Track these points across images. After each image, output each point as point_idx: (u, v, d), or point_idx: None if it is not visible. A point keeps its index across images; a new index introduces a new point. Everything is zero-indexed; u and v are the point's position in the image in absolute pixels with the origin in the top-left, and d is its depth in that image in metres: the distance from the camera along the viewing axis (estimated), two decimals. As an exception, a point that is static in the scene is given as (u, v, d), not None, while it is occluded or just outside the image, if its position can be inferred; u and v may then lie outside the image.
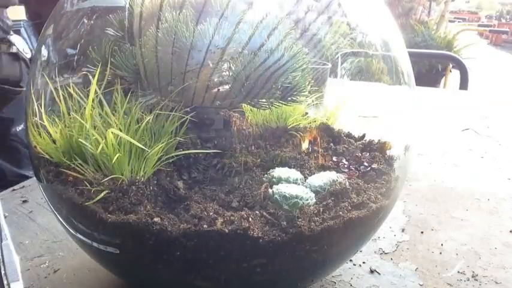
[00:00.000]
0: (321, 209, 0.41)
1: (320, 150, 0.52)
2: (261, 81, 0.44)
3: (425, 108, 1.29)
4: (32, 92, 0.48)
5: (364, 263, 0.56)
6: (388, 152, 0.54)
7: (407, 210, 0.71)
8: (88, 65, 0.46)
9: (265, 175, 0.46)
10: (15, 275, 0.49)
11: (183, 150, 0.44)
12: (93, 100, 0.42)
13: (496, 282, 0.53)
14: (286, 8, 0.46)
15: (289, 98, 0.47)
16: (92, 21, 0.50)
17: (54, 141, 0.45)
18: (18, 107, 1.04)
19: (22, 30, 1.97)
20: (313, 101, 0.56)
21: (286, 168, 0.47)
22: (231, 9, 0.42)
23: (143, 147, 0.41)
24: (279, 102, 0.47)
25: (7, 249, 0.53)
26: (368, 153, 0.53)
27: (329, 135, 0.57)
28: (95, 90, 0.42)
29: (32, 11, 1.20)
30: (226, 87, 0.46)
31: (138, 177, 0.41)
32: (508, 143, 1.05)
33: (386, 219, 0.48)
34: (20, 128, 1.12)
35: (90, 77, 0.43)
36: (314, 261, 0.42)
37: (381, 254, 0.58)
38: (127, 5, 0.46)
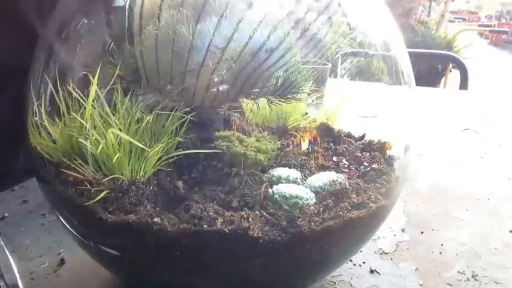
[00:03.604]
0: (321, 209, 0.41)
1: (320, 150, 0.52)
2: (258, 77, 0.44)
3: (425, 108, 1.29)
4: (32, 92, 0.48)
5: (364, 263, 0.56)
6: (388, 152, 0.54)
7: (407, 210, 0.71)
8: (88, 65, 0.46)
9: (265, 175, 0.46)
10: (13, 276, 0.49)
11: (183, 150, 0.44)
12: (93, 100, 0.42)
13: (496, 282, 0.53)
14: (286, 8, 0.46)
15: (289, 96, 0.47)
16: (91, 21, 0.50)
17: (54, 141, 0.45)
18: None
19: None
20: (313, 101, 0.56)
21: (286, 168, 0.47)
22: (230, 9, 0.42)
23: (143, 146, 0.41)
24: (279, 99, 0.47)
25: (1, 251, 0.53)
26: (368, 153, 0.53)
27: (329, 135, 0.57)
28: (95, 90, 0.42)
29: None
30: (226, 86, 0.46)
31: (138, 177, 0.41)
32: (508, 143, 1.05)
33: (386, 219, 0.48)
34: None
35: (90, 77, 0.43)
36: (314, 261, 0.42)
37: (381, 254, 0.58)
38: (127, 5, 0.46)
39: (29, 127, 0.47)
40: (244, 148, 0.46)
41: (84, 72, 0.45)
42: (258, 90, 0.45)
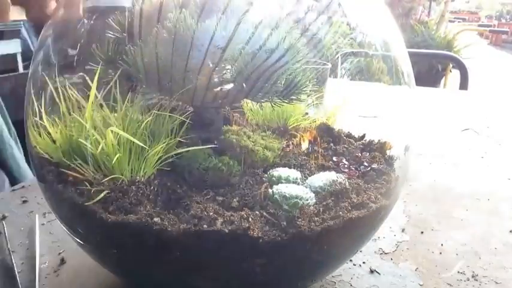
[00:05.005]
0: (321, 209, 0.41)
1: (320, 150, 0.52)
2: (260, 77, 0.44)
3: (425, 108, 1.29)
4: (32, 92, 0.48)
5: (364, 263, 0.56)
6: (388, 152, 0.54)
7: (407, 210, 0.71)
8: (88, 65, 0.46)
9: (265, 175, 0.46)
10: (13, 275, 0.49)
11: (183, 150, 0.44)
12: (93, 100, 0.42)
13: (496, 282, 0.53)
14: (286, 8, 0.46)
15: (292, 97, 0.47)
16: (92, 21, 0.50)
17: (54, 141, 0.45)
18: None
19: (22, 30, 1.96)
20: (313, 101, 0.56)
21: (286, 168, 0.47)
22: (232, 8, 0.42)
23: (143, 145, 0.41)
24: (282, 101, 0.47)
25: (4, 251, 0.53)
26: (368, 153, 0.53)
27: (329, 135, 0.57)
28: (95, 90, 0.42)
29: (32, 15, 1.19)
30: (227, 86, 0.46)
31: (138, 177, 0.41)
32: (508, 143, 1.05)
33: (386, 219, 0.48)
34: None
35: (88, 79, 0.43)
36: (314, 261, 0.42)
37: (380, 254, 0.58)
38: (127, 4, 0.46)
39: (29, 127, 0.47)
40: (252, 144, 0.46)
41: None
42: (261, 91, 0.45)
